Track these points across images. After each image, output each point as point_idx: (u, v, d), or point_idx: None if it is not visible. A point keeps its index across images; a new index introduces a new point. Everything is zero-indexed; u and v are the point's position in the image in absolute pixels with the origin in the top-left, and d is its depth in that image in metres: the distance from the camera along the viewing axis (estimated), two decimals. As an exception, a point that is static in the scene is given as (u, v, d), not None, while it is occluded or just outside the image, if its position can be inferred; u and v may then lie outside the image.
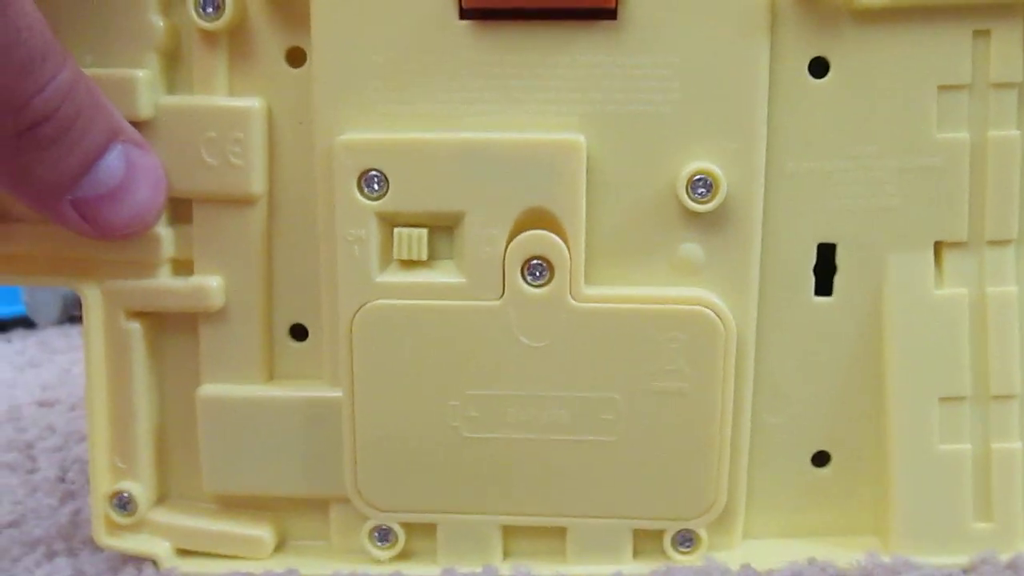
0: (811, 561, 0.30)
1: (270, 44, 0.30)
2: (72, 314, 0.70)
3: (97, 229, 0.28)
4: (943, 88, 0.29)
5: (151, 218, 0.30)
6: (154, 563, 0.32)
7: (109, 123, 0.28)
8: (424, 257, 0.29)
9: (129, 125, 0.29)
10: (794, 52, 0.29)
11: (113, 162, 0.28)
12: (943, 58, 0.29)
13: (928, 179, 0.30)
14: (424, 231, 0.29)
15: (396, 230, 0.29)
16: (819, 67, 0.29)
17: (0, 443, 0.45)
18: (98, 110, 0.27)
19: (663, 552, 0.31)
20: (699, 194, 0.29)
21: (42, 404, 0.51)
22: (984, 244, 0.30)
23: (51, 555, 0.33)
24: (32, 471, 0.41)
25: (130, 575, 0.32)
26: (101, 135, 0.28)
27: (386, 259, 0.30)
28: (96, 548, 0.33)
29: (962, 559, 0.30)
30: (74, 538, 0.35)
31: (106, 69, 0.29)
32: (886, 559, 0.30)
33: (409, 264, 0.30)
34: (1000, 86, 0.29)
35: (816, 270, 0.31)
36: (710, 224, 0.29)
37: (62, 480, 0.40)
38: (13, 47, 0.25)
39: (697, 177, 0.29)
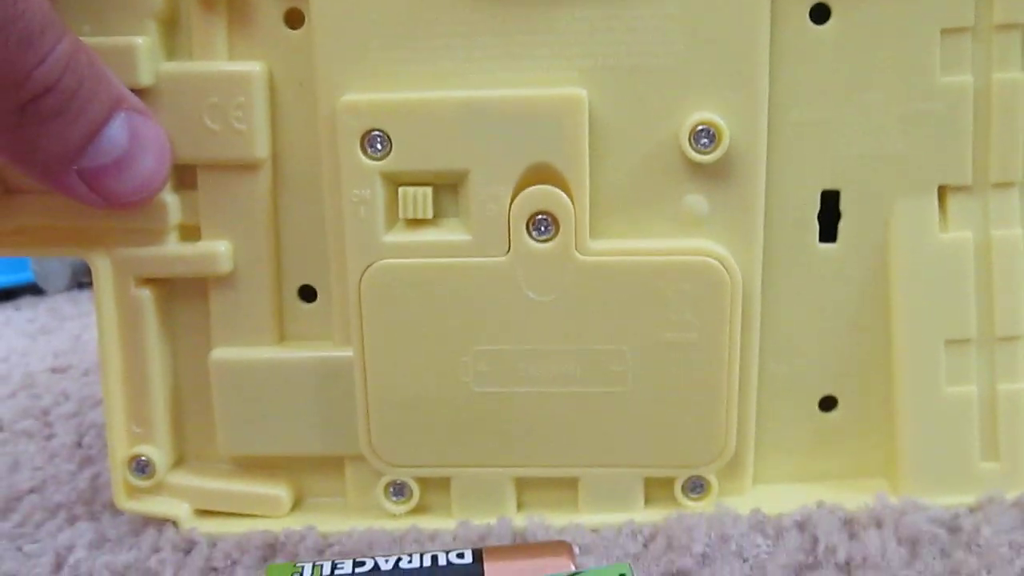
0: (820, 504, 0.31)
1: (268, 6, 0.30)
2: (81, 281, 0.70)
3: (104, 199, 0.29)
4: (946, 31, 0.29)
5: (156, 186, 0.30)
6: (174, 524, 0.32)
7: (111, 92, 0.28)
8: (430, 216, 0.30)
9: (131, 93, 0.29)
10: (795, -1, 0.29)
11: (117, 131, 0.28)
12: (945, 1, 0.29)
13: (931, 123, 0.30)
14: (428, 189, 0.29)
15: (401, 189, 0.29)
16: (820, 13, 0.29)
17: (16, 410, 0.45)
18: (99, 80, 0.27)
19: (674, 499, 0.32)
20: (702, 145, 0.29)
21: (55, 371, 0.51)
22: (988, 187, 0.30)
23: (72, 520, 0.34)
24: (49, 437, 0.42)
25: (151, 537, 0.32)
26: (104, 105, 0.28)
27: (392, 219, 0.30)
28: (117, 512, 0.33)
29: (969, 499, 0.31)
30: (94, 502, 0.35)
31: (105, 38, 0.29)
32: (894, 501, 0.30)
33: (415, 223, 0.30)
34: (1003, 28, 0.29)
35: (820, 217, 0.31)
36: (714, 175, 0.29)
37: (79, 445, 0.41)
38: (13, 21, 0.25)
39: (700, 128, 0.29)
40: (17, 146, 0.27)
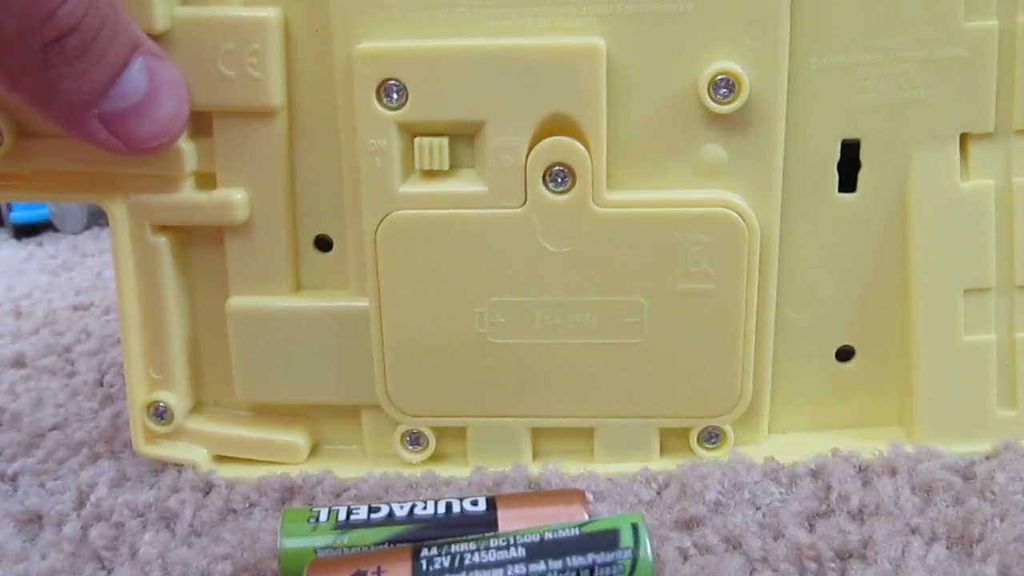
0: (835, 452, 0.31)
1: (284, -48, 0.30)
2: (97, 221, 0.71)
3: (124, 143, 0.28)
4: (971, -25, 0.29)
5: (176, 130, 0.29)
6: (193, 467, 0.33)
7: (130, 35, 0.28)
8: (446, 167, 0.29)
9: (148, 38, 0.29)
10: (817, -57, 0.28)
11: (136, 75, 0.28)
12: (971, -55, 0.28)
13: (955, 70, 0.29)
14: (445, 140, 0.29)
15: (417, 140, 0.29)
16: (842, -41, 0.29)
17: (39, 347, 0.46)
18: (119, 21, 0.27)
19: (690, 449, 0.32)
20: (721, 95, 0.29)
21: (77, 308, 0.52)
22: (1011, 134, 0.30)
23: (94, 457, 0.35)
24: (71, 375, 0.42)
25: (171, 476, 0.33)
26: (124, 47, 0.27)
27: (408, 169, 0.30)
28: (137, 451, 0.34)
29: (986, 447, 0.31)
30: (115, 440, 0.36)
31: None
32: (909, 449, 0.31)
33: (431, 174, 0.30)
34: (1030, -29, 0.29)
35: (840, 167, 0.30)
36: (733, 124, 0.29)
37: (100, 384, 0.41)
38: None
39: (719, 78, 0.28)
40: (39, 88, 0.27)
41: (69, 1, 0.25)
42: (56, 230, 0.70)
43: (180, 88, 0.29)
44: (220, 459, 0.33)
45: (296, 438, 0.33)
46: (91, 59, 0.27)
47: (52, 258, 0.63)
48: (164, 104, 0.29)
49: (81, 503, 0.32)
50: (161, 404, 0.32)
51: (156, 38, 0.29)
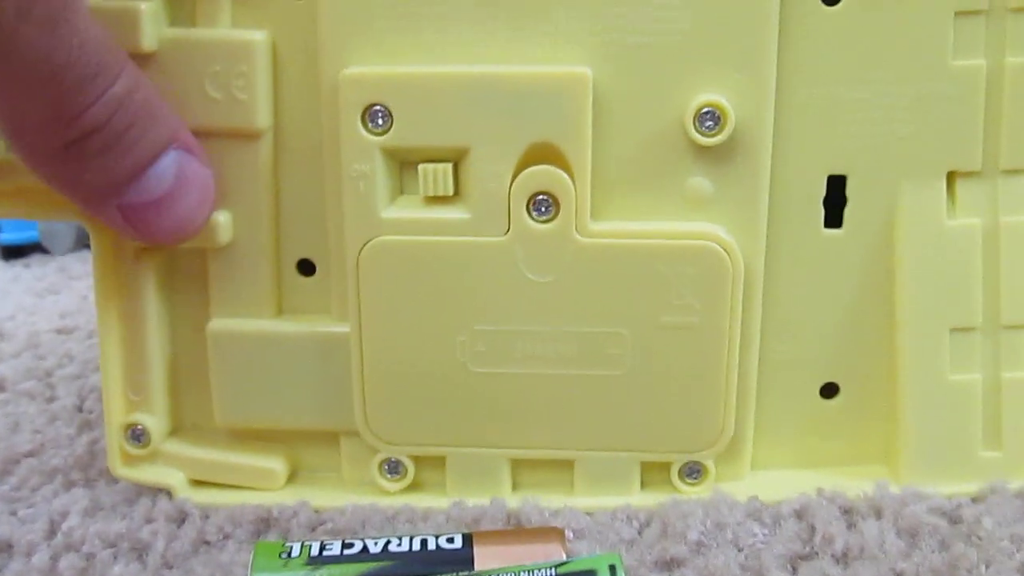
0: (819, 492, 0.30)
1: (273, -26, 0.30)
2: (86, 243, 0.70)
3: (141, 234, 0.29)
4: (960, 14, 0.29)
5: (197, 227, 0.29)
6: (168, 494, 0.32)
7: (162, 131, 0.28)
8: (451, 192, 0.29)
9: (186, 130, 0.28)
10: (806, -22, 0.28)
11: (165, 169, 0.28)
12: (960, -18, 0.28)
13: (942, 107, 0.29)
14: (449, 166, 0.29)
15: (421, 166, 0.29)
16: (832, -6, 0.29)
17: (20, 371, 0.45)
18: (153, 118, 0.27)
19: (671, 483, 0.31)
20: (707, 127, 0.28)
21: (60, 331, 0.51)
22: (998, 173, 0.30)
23: (68, 485, 0.34)
24: (51, 400, 0.42)
25: (145, 506, 0.32)
26: (153, 143, 0.27)
27: (392, 194, 0.30)
28: (112, 479, 0.33)
29: (971, 488, 0.31)
30: (91, 468, 0.35)
31: (108, 1, 0.29)
32: (895, 489, 0.30)
33: (413, 200, 0.30)
34: (1018, 10, 0.29)
35: (826, 202, 0.30)
36: (718, 157, 0.29)
37: (80, 409, 0.41)
38: (66, 67, 0.25)
39: (705, 110, 0.28)
40: (60, 177, 0.27)
41: (97, 103, 0.25)
42: (45, 252, 0.70)
43: (207, 186, 0.29)
44: (196, 483, 0.33)
45: (274, 464, 0.32)
46: (114, 156, 0.27)
47: (39, 280, 0.63)
48: (187, 201, 0.29)
49: (52, 532, 0.31)
50: (139, 426, 0.32)
51: (143, 59, 0.29)
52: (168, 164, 0.28)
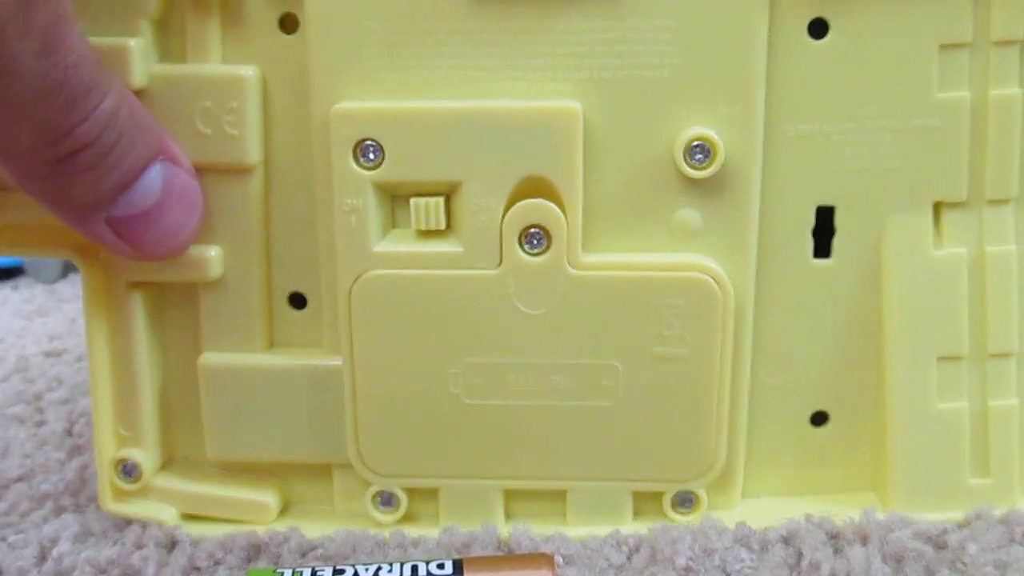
0: (808, 518, 0.31)
1: (262, 10, 0.30)
2: (75, 269, 0.70)
3: (131, 248, 0.29)
4: (944, 47, 0.29)
5: (185, 239, 0.29)
6: (159, 523, 0.32)
7: (149, 144, 0.28)
8: (442, 226, 0.29)
9: (172, 143, 0.29)
10: (793, 13, 0.29)
11: (152, 181, 0.28)
12: (944, 17, 0.29)
13: (928, 139, 0.30)
14: (441, 199, 0.29)
15: (413, 200, 0.29)
16: (819, 28, 0.29)
17: (9, 395, 0.45)
18: (139, 132, 0.27)
19: (663, 513, 0.32)
20: (697, 160, 0.29)
21: (49, 355, 0.51)
22: (984, 203, 0.30)
23: (59, 511, 0.34)
24: (40, 424, 0.42)
25: (135, 533, 0.32)
26: (140, 156, 0.27)
27: (384, 228, 0.30)
28: (103, 504, 0.33)
29: (958, 515, 0.31)
30: (81, 494, 0.35)
31: (98, 38, 0.29)
32: (881, 516, 0.30)
33: (406, 234, 0.30)
34: (1002, 43, 0.29)
35: (815, 232, 0.31)
36: (708, 190, 0.29)
37: (69, 434, 0.41)
38: (60, 86, 0.25)
39: (695, 143, 0.29)
40: (47, 192, 0.27)
41: (88, 120, 0.26)
42: (33, 275, 0.69)
43: (194, 197, 0.29)
44: (188, 517, 0.33)
45: (266, 497, 0.32)
46: (103, 170, 0.27)
47: (27, 302, 0.63)
48: (175, 213, 0.29)
49: (43, 558, 0.31)
50: (130, 462, 0.32)
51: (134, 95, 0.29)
52: (155, 176, 0.28)
